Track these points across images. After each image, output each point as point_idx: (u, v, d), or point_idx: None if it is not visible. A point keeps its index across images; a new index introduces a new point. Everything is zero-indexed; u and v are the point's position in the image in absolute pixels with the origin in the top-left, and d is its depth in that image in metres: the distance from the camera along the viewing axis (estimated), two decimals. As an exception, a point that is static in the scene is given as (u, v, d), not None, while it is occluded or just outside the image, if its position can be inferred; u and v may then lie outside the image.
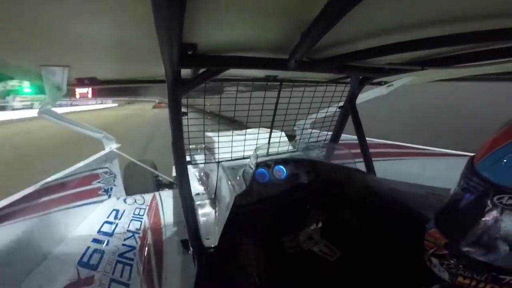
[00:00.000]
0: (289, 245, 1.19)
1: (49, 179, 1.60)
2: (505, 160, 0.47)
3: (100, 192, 2.06)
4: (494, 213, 0.48)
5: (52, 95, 0.97)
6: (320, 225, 1.25)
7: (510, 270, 0.48)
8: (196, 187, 1.94)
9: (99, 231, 1.67)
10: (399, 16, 0.59)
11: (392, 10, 0.56)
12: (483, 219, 0.50)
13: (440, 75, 1.47)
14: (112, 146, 2.26)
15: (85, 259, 1.42)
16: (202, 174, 2.16)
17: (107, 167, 2.17)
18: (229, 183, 1.41)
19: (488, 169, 0.50)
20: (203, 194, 1.82)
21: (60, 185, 1.68)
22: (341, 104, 1.65)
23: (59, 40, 0.67)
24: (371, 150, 1.57)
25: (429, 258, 0.61)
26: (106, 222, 1.78)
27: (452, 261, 0.55)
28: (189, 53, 0.77)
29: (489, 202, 0.48)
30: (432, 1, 0.52)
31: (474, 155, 0.55)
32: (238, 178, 1.42)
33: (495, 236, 0.48)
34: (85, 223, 1.78)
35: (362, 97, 1.69)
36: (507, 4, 0.51)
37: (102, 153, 2.17)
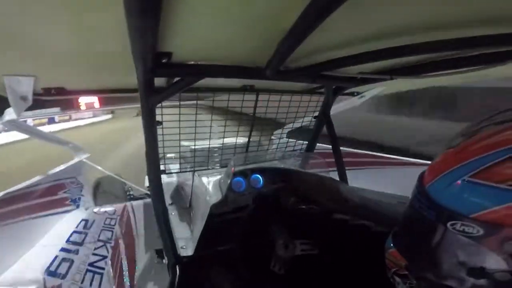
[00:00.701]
0: (278, 267, 1.18)
1: (12, 189, 1.51)
2: (456, 185, 0.45)
3: (67, 202, 1.95)
4: (449, 238, 0.46)
5: (16, 106, 0.92)
6: (284, 231, 1.25)
7: None
8: (169, 196, 1.90)
9: (67, 241, 1.59)
10: (370, 25, 0.62)
11: (363, 20, 0.59)
12: (437, 243, 0.48)
13: (409, 84, 1.55)
14: (80, 156, 2.17)
15: (52, 268, 1.34)
16: (176, 183, 2.12)
17: (74, 177, 2.08)
18: (205, 192, 1.40)
19: (439, 192, 0.48)
20: (177, 203, 1.79)
21: (24, 195, 1.59)
22: (316, 114, 1.69)
23: (24, 48, 0.63)
24: (345, 159, 1.62)
25: (392, 276, 0.60)
26: (75, 232, 1.69)
27: (413, 283, 0.55)
28: (163, 61, 0.76)
29: (442, 227, 0.46)
30: (401, 11, 0.54)
31: (423, 173, 0.54)
32: (214, 187, 1.41)
33: (452, 260, 0.47)
34: (52, 233, 1.68)
35: (336, 108, 1.74)
36: (474, 13, 0.54)
37: (70, 163, 2.08)
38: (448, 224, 0.44)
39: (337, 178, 1.57)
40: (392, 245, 0.60)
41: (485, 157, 0.42)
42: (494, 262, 0.42)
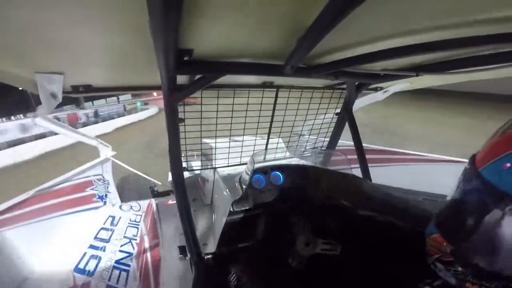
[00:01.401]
0: (296, 264, 1.18)
1: (41, 187, 1.59)
2: None
3: (94, 199, 2.04)
4: (504, 222, 0.45)
5: (47, 103, 0.96)
6: (307, 228, 1.23)
7: None
8: (192, 193, 1.93)
9: (95, 238, 1.65)
10: (394, 22, 0.60)
11: (386, 16, 0.57)
12: (491, 228, 0.47)
13: (435, 81, 1.49)
14: (107, 154, 2.25)
15: (81, 265, 1.40)
16: (199, 180, 2.15)
17: (100, 174, 2.15)
18: (226, 189, 1.40)
19: (494, 175, 0.46)
20: (199, 200, 1.81)
21: (53, 192, 1.67)
22: (338, 110, 1.66)
23: (54, 47, 0.66)
24: (367, 156, 1.58)
25: (433, 263, 0.58)
26: (103, 228, 1.76)
27: (459, 268, 0.53)
28: (185, 59, 0.77)
29: (497, 211, 0.45)
30: (426, 7, 0.52)
31: (475, 157, 0.52)
32: (234, 184, 1.41)
33: (504, 245, 0.46)
34: (81, 230, 1.75)
35: (359, 103, 1.70)
36: (502, 9, 0.52)
37: (97, 160, 2.16)
38: (507, 209, 0.43)
39: (360, 175, 1.53)
40: (436, 230, 0.58)
41: None
42: None
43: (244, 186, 1.26)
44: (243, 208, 1.28)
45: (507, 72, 1.03)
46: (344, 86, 1.49)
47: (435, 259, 0.58)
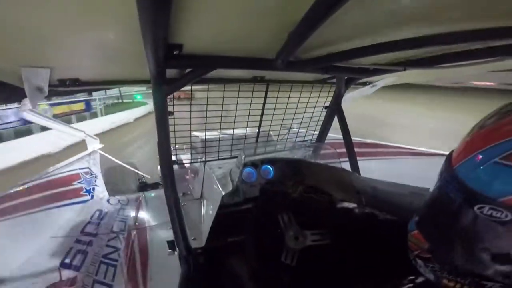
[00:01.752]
0: (289, 259, 1.19)
1: (27, 180, 1.55)
2: (485, 167, 0.43)
3: (82, 193, 2.00)
4: (475, 222, 0.45)
5: (33, 97, 0.93)
6: (295, 222, 1.25)
7: (492, 277, 0.46)
8: (181, 187, 1.92)
9: (82, 232, 1.63)
10: (383, 16, 0.60)
11: (376, 11, 0.57)
12: (463, 227, 0.47)
13: (422, 76, 1.51)
14: (94, 146, 2.21)
15: (67, 260, 1.38)
16: (188, 174, 2.14)
17: (87, 168, 2.12)
18: (216, 183, 1.40)
19: (467, 174, 0.46)
20: (189, 194, 1.80)
21: (39, 186, 1.63)
22: (327, 104, 1.67)
23: (40, 41, 0.64)
24: (356, 150, 1.60)
25: (414, 259, 0.59)
26: (90, 222, 1.73)
27: (436, 265, 0.54)
28: (174, 53, 0.75)
29: (469, 209, 0.45)
30: (416, 2, 0.53)
31: (451, 154, 0.52)
32: (225, 178, 1.41)
33: (477, 244, 0.46)
34: (68, 224, 1.73)
35: (348, 97, 1.71)
36: (490, 4, 0.52)
37: (84, 153, 2.12)
38: (476, 208, 0.44)
39: (349, 169, 1.55)
40: (415, 227, 0.59)
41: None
42: None
43: (234, 180, 1.26)
44: (234, 202, 1.29)
45: (493, 67, 1.05)
46: (334, 80, 1.50)
47: (415, 255, 0.59)
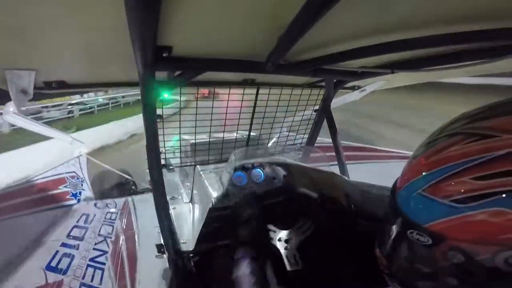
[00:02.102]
0: (296, 263, 1.19)
1: (12, 184, 1.51)
2: (414, 196, 0.48)
3: (67, 197, 1.96)
4: (408, 244, 0.50)
5: (17, 100, 0.91)
6: (303, 234, 1.26)
7: None
8: (171, 191, 1.90)
9: (68, 236, 1.59)
10: (371, 20, 0.62)
11: (364, 14, 0.58)
12: (401, 248, 0.53)
13: (410, 78, 1.54)
14: (81, 151, 2.17)
15: (53, 264, 1.35)
16: (177, 178, 2.12)
17: (73, 172, 2.08)
18: (206, 186, 1.39)
19: (403, 200, 0.51)
20: (178, 198, 1.79)
21: (23, 190, 1.59)
22: (317, 107, 1.69)
23: (25, 43, 0.62)
24: (345, 153, 1.62)
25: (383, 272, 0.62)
26: (76, 226, 1.69)
27: (394, 281, 0.58)
28: (164, 55, 0.75)
29: (404, 233, 0.49)
30: (402, 5, 0.54)
31: (397, 180, 0.56)
32: (215, 181, 1.41)
33: (412, 264, 0.51)
34: (53, 228, 1.68)
35: (337, 102, 1.73)
36: (476, 7, 0.54)
37: (70, 157, 2.08)
38: (408, 232, 0.49)
39: (338, 172, 1.57)
40: (377, 244, 0.63)
41: (434, 173, 0.45)
42: (443, 269, 0.46)
43: (225, 184, 1.26)
44: (224, 205, 1.28)
45: (481, 70, 1.08)
46: (323, 83, 1.52)
47: (381, 270, 0.62)
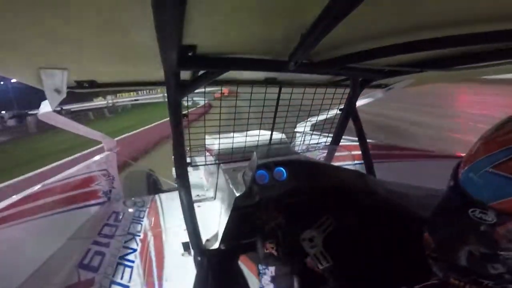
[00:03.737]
0: (290, 239, 1.18)
1: (46, 182, 1.60)
2: (480, 174, 0.48)
3: (99, 194, 2.05)
4: (469, 224, 0.49)
5: (52, 98, 0.96)
6: (325, 231, 1.23)
7: (487, 275, 0.50)
8: (196, 189, 1.93)
9: (99, 234, 1.66)
10: (398, 18, 0.59)
11: (390, 12, 0.56)
12: (460, 228, 0.53)
13: (439, 77, 1.47)
14: (112, 149, 2.25)
15: (85, 261, 1.41)
16: (202, 176, 2.15)
17: (105, 169, 2.16)
18: (229, 185, 1.41)
19: (467, 180, 0.51)
20: (203, 196, 1.82)
21: (58, 188, 1.67)
22: (342, 106, 1.65)
23: (58, 42, 0.66)
24: (372, 152, 1.57)
25: (428, 258, 0.63)
26: (107, 224, 1.76)
27: (443, 263, 0.58)
28: (188, 54, 0.76)
29: (464, 213, 0.49)
30: (430, 3, 0.52)
31: (460, 162, 0.56)
32: (238, 180, 1.42)
33: (471, 245, 0.51)
34: (86, 225, 1.77)
35: (362, 100, 1.69)
36: (504, 6, 0.51)
37: (102, 155, 2.17)
38: (470, 211, 0.48)
39: (364, 171, 1.53)
40: (426, 228, 0.63)
41: (505, 150, 0.45)
42: (503, 249, 0.46)
43: (247, 182, 1.26)
44: (247, 204, 1.28)
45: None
46: (348, 82, 1.48)
47: (427, 255, 0.62)
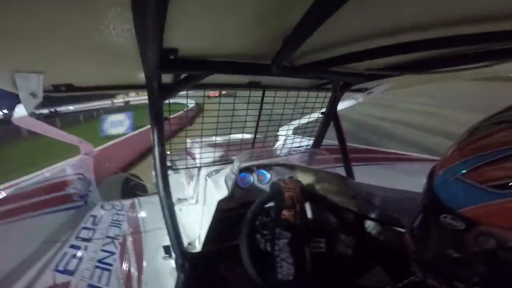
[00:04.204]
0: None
1: (20, 185, 1.53)
2: (451, 181, 0.48)
3: (75, 198, 1.98)
4: (440, 229, 0.50)
5: (27, 103, 0.92)
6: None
7: (460, 279, 0.51)
8: (177, 192, 1.90)
9: (76, 237, 1.61)
10: (378, 21, 0.61)
11: (371, 16, 0.58)
12: (433, 232, 0.54)
13: (418, 80, 1.53)
14: (88, 153, 2.19)
15: (61, 265, 1.37)
16: (183, 179, 2.13)
17: (81, 174, 2.09)
18: (212, 188, 1.40)
19: (440, 186, 0.52)
20: (184, 199, 1.79)
21: (32, 191, 1.61)
22: (323, 110, 1.68)
23: (34, 46, 0.63)
24: (351, 155, 1.61)
25: (408, 259, 0.64)
26: (84, 228, 1.71)
27: (421, 265, 0.60)
28: (170, 58, 0.75)
29: (437, 218, 0.50)
30: (409, 6, 0.54)
31: (435, 166, 0.57)
32: (220, 183, 1.41)
33: (443, 249, 0.52)
34: (61, 229, 1.70)
35: (344, 104, 1.72)
36: (483, 9, 0.53)
37: (76, 158, 2.11)
38: (441, 216, 0.49)
39: (344, 174, 1.56)
40: (407, 230, 0.65)
41: (475, 158, 0.46)
42: (472, 254, 0.47)
43: (230, 185, 1.26)
44: (229, 207, 1.28)
45: (490, 72, 1.07)
46: (329, 86, 1.51)
47: (407, 255, 0.63)
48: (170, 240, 1.23)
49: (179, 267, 1.17)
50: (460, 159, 0.48)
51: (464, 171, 0.46)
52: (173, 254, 1.28)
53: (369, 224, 1.17)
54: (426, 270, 0.58)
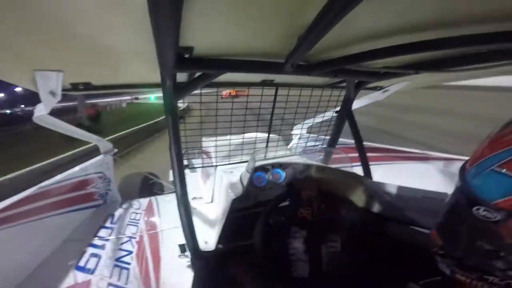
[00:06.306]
0: (327, 268, 1.17)
1: (42, 184, 1.59)
2: (485, 173, 0.49)
3: (95, 197, 2.03)
4: (473, 221, 0.50)
5: (46, 101, 0.96)
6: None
7: (491, 271, 0.51)
8: (193, 191, 1.92)
9: (95, 236, 1.65)
10: (395, 19, 0.60)
11: (387, 14, 0.57)
12: (465, 226, 0.54)
13: (435, 79, 1.48)
14: (108, 151, 2.24)
15: (82, 264, 1.41)
16: (199, 178, 2.15)
17: (101, 172, 2.15)
18: (227, 187, 1.40)
19: (472, 179, 0.52)
20: (200, 198, 1.81)
21: (54, 190, 1.66)
22: (338, 109, 1.66)
23: (53, 44, 0.66)
24: (368, 154, 1.57)
25: (434, 255, 0.64)
26: (103, 227, 1.75)
27: (449, 260, 0.59)
28: (185, 56, 0.77)
29: (469, 211, 0.51)
30: (427, 4, 0.52)
31: (467, 161, 0.57)
32: (235, 182, 1.41)
33: (475, 242, 0.52)
34: (81, 228, 1.75)
35: (358, 102, 1.69)
36: (502, 7, 0.52)
37: (98, 158, 2.16)
38: (474, 209, 0.50)
39: (361, 173, 1.53)
40: (434, 226, 0.65)
41: (506, 151, 0.46)
42: (507, 245, 0.47)
43: (245, 184, 1.26)
44: (244, 206, 1.28)
45: (509, 71, 1.02)
46: (344, 84, 1.49)
47: (433, 252, 0.63)
48: (185, 238, 1.24)
49: (195, 265, 1.18)
50: (493, 152, 0.49)
51: (498, 163, 0.47)
52: (188, 253, 1.29)
53: (387, 224, 1.14)
54: (456, 266, 0.58)
